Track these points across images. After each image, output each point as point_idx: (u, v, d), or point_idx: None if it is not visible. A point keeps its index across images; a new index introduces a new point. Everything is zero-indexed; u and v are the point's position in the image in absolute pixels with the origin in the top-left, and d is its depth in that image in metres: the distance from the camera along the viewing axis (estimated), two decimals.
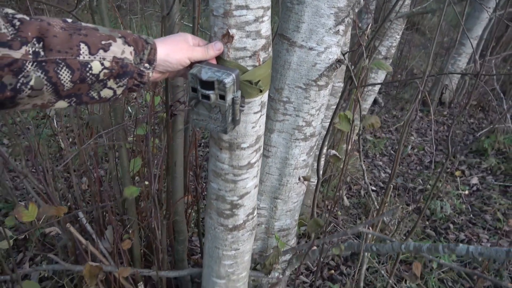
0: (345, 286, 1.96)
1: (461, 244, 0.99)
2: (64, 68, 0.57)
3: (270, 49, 0.82)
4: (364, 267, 1.39)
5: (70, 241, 1.44)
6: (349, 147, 1.11)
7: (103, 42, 0.60)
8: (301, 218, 2.25)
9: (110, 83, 0.63)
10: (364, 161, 2.14)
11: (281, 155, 1.23)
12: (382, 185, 2.96)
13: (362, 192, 2.82)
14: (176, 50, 0.71)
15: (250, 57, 0.79)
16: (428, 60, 1.38)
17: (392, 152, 3.47)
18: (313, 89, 1.10)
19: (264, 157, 1.24)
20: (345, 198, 2.64)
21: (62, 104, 0.61)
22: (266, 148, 1.23)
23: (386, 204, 1.39)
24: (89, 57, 0.59)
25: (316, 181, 1.33)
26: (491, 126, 3.03)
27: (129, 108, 2.88)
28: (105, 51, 0.61)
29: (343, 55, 1.07)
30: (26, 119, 3.14)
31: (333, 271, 2.08)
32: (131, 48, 0.64)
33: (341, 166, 1.31)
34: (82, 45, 0.58)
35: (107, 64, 0.61)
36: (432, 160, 3.36)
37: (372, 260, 2.00)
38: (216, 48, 0.76)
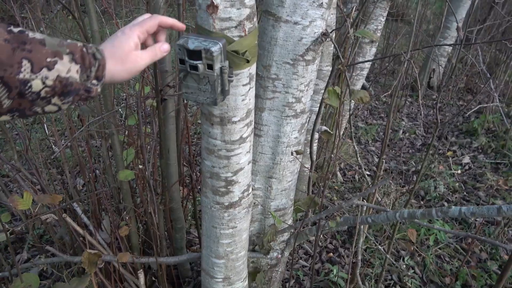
0: (344, 267, 1.98)
1: (453, 207, 1.00)
2: (1, 85, 0.53)
3: (255, 19, 0.83)
4: (361, 240, 1.41)
5: (67, 234, 1.44)
6: (340, 118, 1.12)
7: (48, 60, 0.56)
8: (297, 204, 2.27)
9: (55, 100, 0.60)
10: (355, 141, 2.17)
11: (273, 133, 1.24)
12: (376, 169, 2.98)
13: (357, 177, 2.85)
14: (124, 62, 0.68)
15: (235, 27, 0.79)
16: (411, 39, 1.40)
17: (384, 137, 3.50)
18: (300, 64, 1.11)
19: (257, 136, 1.25)
20: (338, 173, 2.65)
21: (5, 117, 0.58)
22: (257, 127, 1.23)
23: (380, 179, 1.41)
24: (30, 76, 0.55)
25: (310, 165, 1.35)
26: (480, 106, 3.07)
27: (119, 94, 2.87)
28: (49, 69, 0.57)
29: (329, 33, 1.09)
30: (17, 125, 3.13)
31: (331, 254, 2.09)
32: (78, 66, 0.60)
33: (333, 144, 1.33)
34: (25, 62, 0.54)
35: (49, 83, 0.57)
36: (424, 143, 3.40)
37: (370, 238, 2.02)
38: (163, 49, 0.73)
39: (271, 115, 1.21)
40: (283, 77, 1.14)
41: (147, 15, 0.72)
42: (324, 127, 1.27)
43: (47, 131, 2.60)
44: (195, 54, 0.75)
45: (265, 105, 1.19)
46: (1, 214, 1.19)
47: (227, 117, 0.92)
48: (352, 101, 1.26)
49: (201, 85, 0.80)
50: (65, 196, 1.65)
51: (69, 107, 0.67)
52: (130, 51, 0.68)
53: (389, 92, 1.32)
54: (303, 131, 1.29)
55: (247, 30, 0.81)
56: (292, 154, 1.23)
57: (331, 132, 1.26)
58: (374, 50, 2.55)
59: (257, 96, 1.18)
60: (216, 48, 0.74)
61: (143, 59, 0.70)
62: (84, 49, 0.61)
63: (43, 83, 0.57)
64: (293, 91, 1.16)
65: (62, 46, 0.59)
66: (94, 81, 0.63)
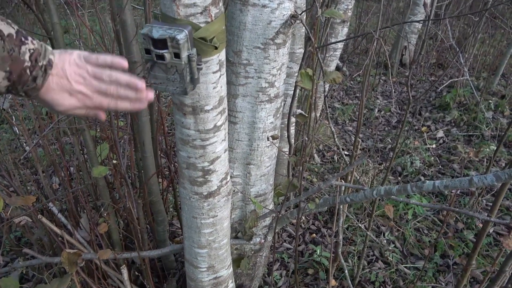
0: (327, 247, 2.02)
1: (427, 181, 1.03)
2: None
3: (220, 4, 0.81)
4: (341, 220, 1.43)
5: (45, 235, 1.41)
6: (314, 100, 1.12)
7: None
8: (278, 189, 2.29)
9: None
10: (331, 122, 2.19)
11: (248, 119, 1.23)
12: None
13: (336, 158, 2.88)
14: (53, 106, 0.63)
15: (201, 13, 0.77)
16: (380, 14, 1.40)
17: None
18: (271, 48, 1.10)
19: (232, 123, 1.24)
20: (315, 156, 2.68)
21: None
22: (232, 114, 1.22)
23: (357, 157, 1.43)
24: None
25: (288, 149, 1.35)
26: (451, 80, 3.14)
27: None
28: None
29: (298, 15, 1.07)
30: None
31: (314, 235, 2.13)
32: (9, 83, 0.57)
33: (309, 126, 1.33)
34: None
35: None
36: (399, 120, 3.46)
37: (350, 217, 2.06)
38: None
39: (245, 101, 1.20)
40: (254, 62, 1.12)
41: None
42: (299, 110, 1.27)
43: (17, 131, 2.51)
44: (161, 43, 0.73)
45: (238, 91, 1.18)
46: None
47: (199, 106, 0.90)
48: (327, 82, 1.26)
49: (169, 75, 0.78)
50: (40, 196, 1.61)
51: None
52: (64, 110, 0.64)
53: (361, 71, 1.32)
54: (278, 115, 1.28)
55: (213, 15, 0.79)
56: (268, 139, 1.22)
57: (306, 115, 1.26)
58: (346, 30, 2.55)
59: (229, 83, 1.17)
60: (181, 36, 0.72)
61: (71, 114, 0.66)
62: (28, 71, 0.57)
63: None
64: (266, 76, 1.15)
65: (6, 62, 0.55)
66: (22, 94, 0.60)
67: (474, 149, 2.65)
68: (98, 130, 1.40)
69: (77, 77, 0.62)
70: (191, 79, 0.80)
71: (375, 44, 1.11)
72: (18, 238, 2.04)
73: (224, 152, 1.05)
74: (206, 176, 1.04)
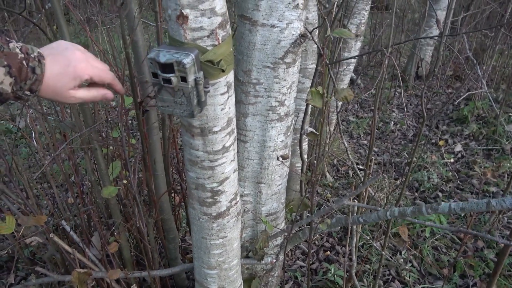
0: (341, 265, 1.97)
1: (443, 203, 0.99)
2: None
3: (228, 26, 0.81)
4: (355, 240, 1.40)
5: (57, 252, 1.41)
6: (324, 120, 1.11)
7: None
8: (291, 205, 2.26)
9: None
10: (344, 138, 2.15)
11: (259, 138, 1.22)
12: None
13: (350, 173, 2.84)
14: (56, 94, 0.67)
15: (208, 36, 0.77)
16: (391, 29, 1.38)
17: (376, 130, 3.50)
18: (281, 67, 1.09)
19: (242, 142, 1.23)
20: (327, 174, 2.64)
21: None
22: (242, 133, 1.22)
23: (370, 176, 1.40)
24: None
25: (301, 165, 1.33)
26: (469, 93, 3.08)
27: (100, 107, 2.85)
28: None
29: (310, 32, 1.07)
30: (2, 140, 3.08)
31: (328, 252, 2.08)
32: (12, 79, 0.59)
33: (320, 144, 1.31)
34: None
35: None
36: (416, 133, 3.40)
37: (365, 236, 2.02)
38: (105, 97, 0.75)
39: (255, 120, 1.19)
40: (264, 81, 1.12)
41: (103, 66, 0.73)
42: (310, 129, 1.25)
43: (35, 144, 2.57)
44: (168, 67, 0.73)
45: (248, 110, 1.17)
46: None
47: (208, 127, 0.90)
48: (338, 100, 1.24)
49: (176, 98, 0.78)
50: (54, 211, 1.63)
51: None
52: (68, 89, 0.67)
53: (375, 86, 1.30)
54: (289, 134, 1.27)
55: (220, 38, 0.79)
56: (278, 159, 1.21)
57: (317, 133, 1.24)
58: (359, 44, 2.54)
59: (239, 102, 1.17)
60: (188, 60, 0.72)
61: (78, 98, 0.70)
62: (24, 62, 0.60)
63: None
64: (276, 95, 1.14)
65: (1, 57, 0.58)
66: (27, 92, 0.63)
67: (492, 169, 2.57)
68: (111, 147, 1.42)
69: (68, 48, 0.67)
70: (198, 102, 0.79)
71: (386, 61, 1.09)
72: (33, 253, 2.06)
73: (234, 173, 1.04)
74: (215, 197, 1.03)
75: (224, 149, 0.95)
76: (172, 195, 1.91)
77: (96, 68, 0.70)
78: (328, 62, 1.27)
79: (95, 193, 1.36)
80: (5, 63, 0.58)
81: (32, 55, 0.62)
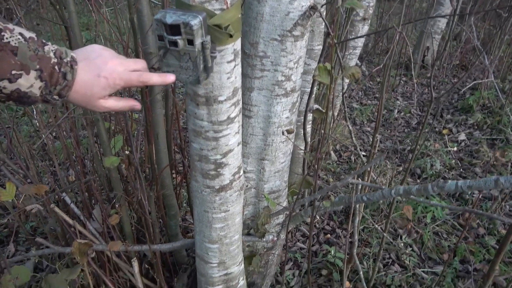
0: (341, 248, 1.97)
1: (449, 181, 0.98)
2: None
3: None
4: (357, 219, 1.39)
5: (58, 225, 1.41)
6: (332, 95, 1.09)
7: (13, 73, 0.55)
8: (293, 187, 2.25)
9: (9, 102, 0.59)
10: (349, 122, 2.13)
11: (263, 113, 1.20)
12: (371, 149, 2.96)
13: (353, 158, 2.83)
14: (87, 103, 0.67)
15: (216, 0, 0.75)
16: (403, 13, 1.35)
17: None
18: (289, 40, 1.07)
19: (246, 117, 1.22)
20: (332, 153, 2.63)
21: None
22: (247, 108, 1.20)
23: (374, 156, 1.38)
24: None
25: (304, 147, 1.32)
26: (475, 82, 3.04)
27: None
28: (10, 82, 0.55)
29: (317, 7, 1.04)
30: (4, 119, 3.07)
31: (329, 235, 2.08)
32: (42, 84, 0.58)
33: (326, 122, 1.29)
34: None
35: (6, 91, 0.56)
36: (419, 121, 3.38)
37: (366, 217, 2.01)
38: (133, 108, 0.75)
39: (260, 95, 1.17)
40: (271, 55, 1.10)
41: (140, 63, 0.72)
42: (316, 106, 1.23)
43: (37, 123, 2.55)
44: (174, 29, 0.71)
45: (254, 84, 1.15)
46: None
47: (213, 96, 0.88)
48: (346, 80, 1.22)
49: (182, 62, 0.76)
50: (55, 187, 1.62)
51: None
52: (98, 98, 0.67)
53: (381, 66, 1.28)
54: (294, 110, 1.25)
55: (229, 2, 0.77)
56: (283, 134, 1.19)
57: (323, 111, 1.22)
58: (366, 28, 2.50)
59: (245, 76, 1.15)
60: (195, 22, 0.70)
61: (107, 108, 0.69)
62: (57, 67, 0.59)
63: (0, 91, 0.56)
64: (282, 69, 1.12)
65: (34, 61, 0.57)
66: (56, 97, 0.62)
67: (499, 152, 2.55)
68: (113, 122, 1.40)
69: (102, 56, 0.66)
70: (204, 68, 0.78)
71: (397, 37, 1.07)
72: (34, 228, 2.07)
73: (238, 146, 1.03)
74: (218, 169, 1.01)
75: (229, 120, 0.94)
76: (174, 175, 1.91)
77: (127, 74, 0.68)
78: (335, 41, 1.24)
79: (96, 166, 1.35)
80: (38, 66, 0.57)
81: (65, 60, 0.61)
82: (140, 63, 0.73)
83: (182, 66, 0.76)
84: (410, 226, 1.98)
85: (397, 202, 2.19)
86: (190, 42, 0.72)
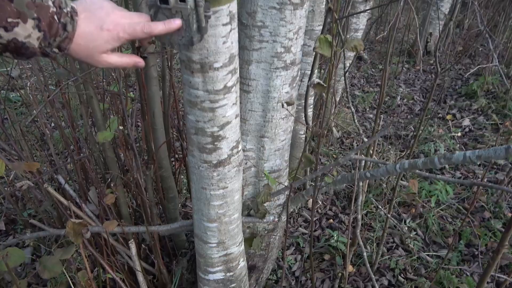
0: (344, 232, 1.93)
1: (457, 152, 0.94)
2: None
3: None
4: (360, 198, 1.35)
5: (53, 208, 1.38)
6: (334, 68, 1.05)
7: (9, 20, 0.52)
8: (294, 173, 2.21)
9: (6, 54, 0.56)
10: (351, 106, 2.10)
11: (263, 88, 1.16)
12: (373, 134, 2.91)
13: (355, 144, 2.78)
14: (88, 56, 0.64)
15: None
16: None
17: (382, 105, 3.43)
18: (288, 9, 1.02)
19: (245, 92, 1.17)
20: (334, 129, 2.58)
21: None
22: (245, 82, 1.16)
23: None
24: None
25: (304, 131, 1.28)
26: (479, 66, 2.98)
27: None
28: (6, 30, 0.52)
29: None
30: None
31: (331, 220, 2.05)
32: (41, 34, 0.55)
33: (327, 96, 1.25)
34: None
35: (2, 41, 0.53)
36: (422, 108, 3.32)
37: (371, 199, 1.97)
38: (137, 65, 0.72)
39: (259, 68, 1.13)
40: (269, 24, 1.05)
41: (144, 17, 0.69)
42: (316, 80, 1.19)
43: (31, 96, 2.50)
44: None
45: (252, 57, 1.11)
46: None
47: (208, 62, 0.84)
48: (347, 61, 1.18)
49: None
50: (49, 168, 1.59)
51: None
52: (100, 52, 0.63)
53: (384, 36, 1.23)
54: (294, 85, 1.21)
55: None
56: (282, 106, 1.15)
57: (324, 85, 1.18)
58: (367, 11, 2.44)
59: (243, 48, 1.10)
60: None
61: (109, 63, 0.66)
62: (56, 17, 0.56)
63: None
64: (282, 40, 1.07)
65: (31, 9, 0.53)
66: (55, 50, 0.59)
67: (503, 137, 2.50)
68: (107, 100, 1.36)
69: (103, 7, 0.62)
70: (198, 28, 0.73)
71: (400, 11, 1.02)
72: (33, 216, 2.04)
73: (235, 118, 0.98)
74: (215, 143, 0.97)
75: (225, 89, 0.90)
76: (172, 160, 1.87)
77: (131, 26, 0.64)
78: (337, 18, 1.19)
79: (91, 145, 1.31)
80: (35, 15, 0.54)
81: (65, 10, 0.57)
82: (144, 17, 0.69)
83: None
84: (414, 210, 1.94)
85: (400, 187, 2.15)
86: None
